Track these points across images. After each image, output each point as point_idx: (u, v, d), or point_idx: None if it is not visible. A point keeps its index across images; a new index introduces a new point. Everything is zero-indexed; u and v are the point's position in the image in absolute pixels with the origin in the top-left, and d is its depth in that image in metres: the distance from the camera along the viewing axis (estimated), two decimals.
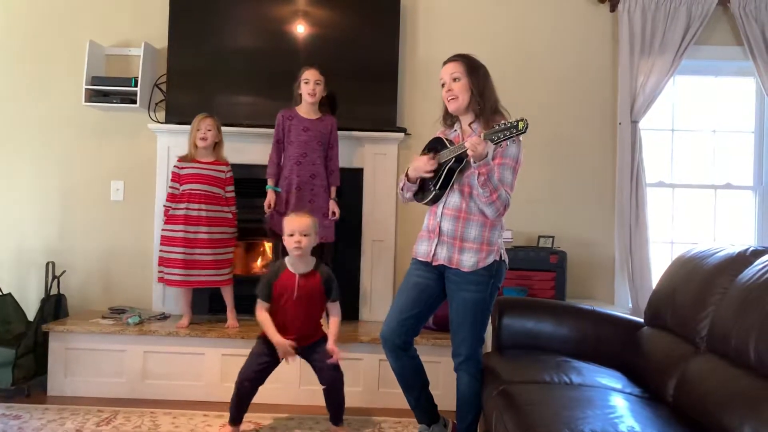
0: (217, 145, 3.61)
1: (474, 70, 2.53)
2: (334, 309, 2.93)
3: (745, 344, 1.90)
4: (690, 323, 2.28)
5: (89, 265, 4.01)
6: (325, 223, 3.48)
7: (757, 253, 2.21)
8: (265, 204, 3.50)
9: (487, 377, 2.51)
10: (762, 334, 1.84)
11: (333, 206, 3.52)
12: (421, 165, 2.53)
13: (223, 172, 3.59)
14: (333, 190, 3.55)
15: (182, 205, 3.50)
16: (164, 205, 3.59)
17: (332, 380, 2.87)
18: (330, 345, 2.83)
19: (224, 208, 3.57)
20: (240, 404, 2.87)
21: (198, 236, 3.48)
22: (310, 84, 3.46)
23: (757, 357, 1.84)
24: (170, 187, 3.59)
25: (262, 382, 2.88)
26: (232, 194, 3.62)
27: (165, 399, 3.39)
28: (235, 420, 2.90)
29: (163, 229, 3.55)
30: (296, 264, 2.85)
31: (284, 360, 2.82)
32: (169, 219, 3.53)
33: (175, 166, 3.59)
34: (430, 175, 2.53)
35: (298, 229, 2.79)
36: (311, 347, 2.89)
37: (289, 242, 2.81)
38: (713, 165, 4.11)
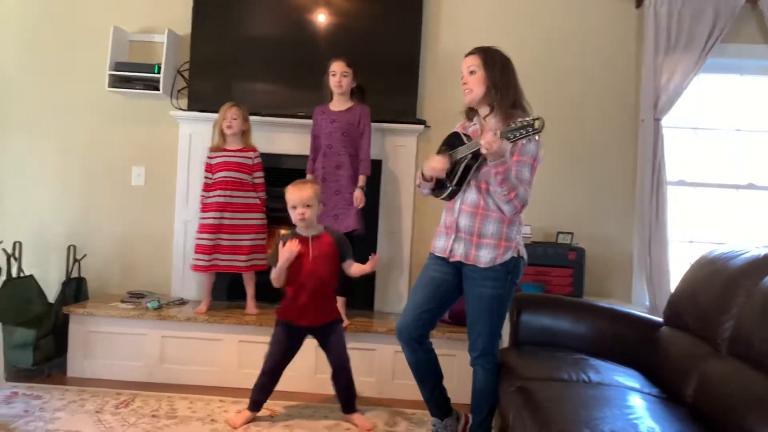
0: (244, 133, 3.64)
1: (491, 63, 2.50)
2: (350, 264, 2.93)
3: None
4: (712, 325, 2.27)
5: (109, 249, 4.05)
6: (351, 212, 3.48)
7: None
8: None
9: (504, 373, 2.52)
10: None
11: (357, 194, 3.50)
12: (436, 166, 2.52)
13: (251, 158, 3.63)
14: (362, 178, 3.53)
15: (215, 193, 3.56)
16: (201, 195, 3.65)
17: (339, 363, 2.93)
18: (367, 267, 2.84)
19: (251, 194, 3.60)
20: (264, 390, 2.94)
21: (224, 222, 3.53)
22: (336, 76, 3.47)
23: None
24: (204, 177, 3.65)
25: (284, 368, 2.94)
26: (261, 180, 3.65)
27: (182, 384, 3.43)
28: (257, 405, 2.95)
29: (200, 218, 3.61)
30: (305, 230, 2.90)
31: (295, 249, 2.80)
32: (204, 208, 3.59)
33: (207, 157, 3.65)
34: (443, 174, 2.51)
35: (299, 202, 2.82)
36: (326, 329, 2.93)
37: (293, 214, 2.85)
38: (736, 164, 4.06)
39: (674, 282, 3.74)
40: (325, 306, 2.92)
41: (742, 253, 2.36)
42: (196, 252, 3.56)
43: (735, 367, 2.05)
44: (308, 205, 2.83)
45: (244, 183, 3.60)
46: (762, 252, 2.28)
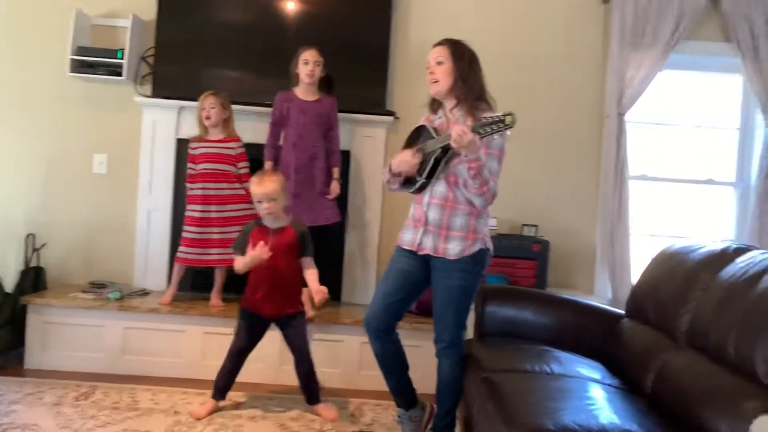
0: (226, 122, 3.58)
1: (459, 55, 2.52)
2: (309, 264, 2.93)
3: (724, 341, 1.94)
4: (671, 317, 2.32)
5: (70, 239, 3.96)
6: (327, 204, 3.47)
7: (739, 251, 2.25)
8: None
9: (469, 364, 2.54)
10: (741, 332, 1.88)
11: (333, 185, 3.50)
12: (408, 160, 2.53)
13: (233, 148, 3.57)
14: (335, 170, 3.52)
15: (200, 185, 3.51)
16: (186, 186, 3.60)
17: (299, 355, 2.94)
18: (315, 287, 2.83)
19: (236, 185, 3.55)
20: (228, 377, 2.93)
21: (212, 215, 3.49)
22: (309, 65, 3.42)
23: (736, 354, 1.88)
24: (187, 168, 3.60)
25: (245, 356, 2.95)
26: (246, 170, 3.58)
27: (144, 375, 3.38)
28: (222, 393, 2.94)
29: (186, 210, 3.56)
30: (270, 222, 2.89)
31: (261, 253, 2.77)
32: (189, 199, 3.55)
33: (189, 147, 3.59)
34: (414, 170, 2.52)
35: (264, 196, 2.81)
36: (288, 319, 2.94)
37: (259, 208, 2.85)
38: (696, 160, 4.16)
39: (635, 275, 3.83)
40: (284, 298, 2.91)
41: (700, 248, 2.42)
42: (182, 245, 3.51)
43: (692, 358, 2.11)
44: (273, 199, 2.81)
45: (227, 174, 3.54)
46: (719, 246, 2.34)
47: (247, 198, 3.54)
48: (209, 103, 3.50)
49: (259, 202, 2.83)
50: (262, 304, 2.89)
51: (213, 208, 3.50)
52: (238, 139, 3.60)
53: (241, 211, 3.55)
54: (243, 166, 3.60)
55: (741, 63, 3.89)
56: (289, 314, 2.94)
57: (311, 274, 2.91)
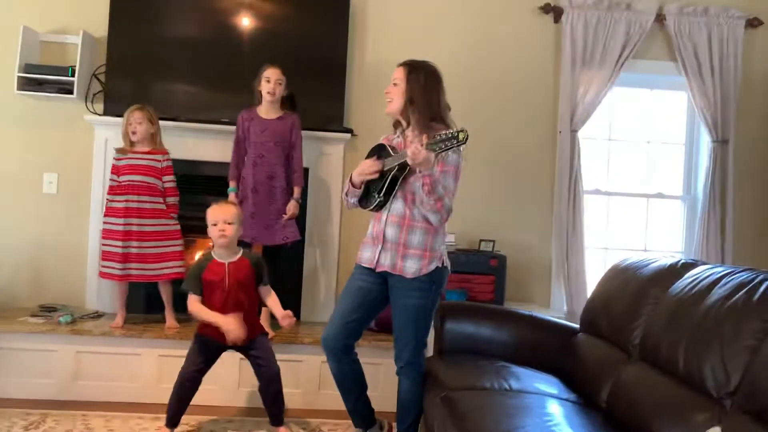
0: (153, 136, 3.50)
1: (414, 77, 2.54)
2: (268, 292, 2.89)
3: (674, 354, 2.00)
4: (623, 331, 2.38)
5: (18, 261, 3.83)
6: (284, 222, 3.44)
7: (687, 266, 2.32)
8: None
9: (430, 382, 2.55)
10: (690, 345, 1.94)
11: (290, 205, 3.45)
12: (366, 168, 2.54)
13: (159, 161, 3.49)
14: (296, 190, 3.49)
15: (122, 198, 3.41)
16: (107, 198, 3.50)
17: (271, 377, 2.85)
18: (280, 312, 2.80)
19: (159, 199, 3.47)
20: (180, 404, 2.82)
21: (132, 228, 3.40)
22: (271, 83, 3.40)
23: (686, 367, 1.94)
24: (110, 179, 3.51)
25: (200, 381, 2.84)
26: (171, 184, 3.51)
27: (98, 401, 3.28)
28: (174, 421, 2.85)
29: (103, 222, 3.46)
30: (223, 254, 2.82)
31: (232, 341, 2.72)
32: (108, 212, 3.44)
33: (113, 158, 3.50)
34: (375, 176, 2.54)
35: (221, 218, 2.76)
36: (250, 345, 2.86)
37: (213, 232, 2.77)
38: (647, 175, 4.28)
39: (590, 287, 3.89)
40: (246, 326, 2.82)
41: (651, 263, 2.49)
42: (104, 259, 3.41)
43: (645, 372, 2.16)
44: (230, 223, 2.76)
45: (152, 187, 3.46)
46: (668, 262, 2.42)
47: (167, 213, 3.50)
48: (135, 118, 3.43)
49: (214, 224, 2.76)
50: (223, 334, 2.77)
51: (134, 221, 3.40)
52: (165, 152, 3.52)
53: (163, 226, 3.47)
54: (169, 180, 3.51)
55: (685, 81, 4.03)
56: (252, 338, 2.86)
57: (273, 301, 2.86)
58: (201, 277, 2.78)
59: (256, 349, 2.86)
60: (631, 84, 4.20)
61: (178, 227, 3.53)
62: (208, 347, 2.82)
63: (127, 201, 3.40)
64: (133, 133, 3.43)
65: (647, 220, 4.27)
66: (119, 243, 3.38)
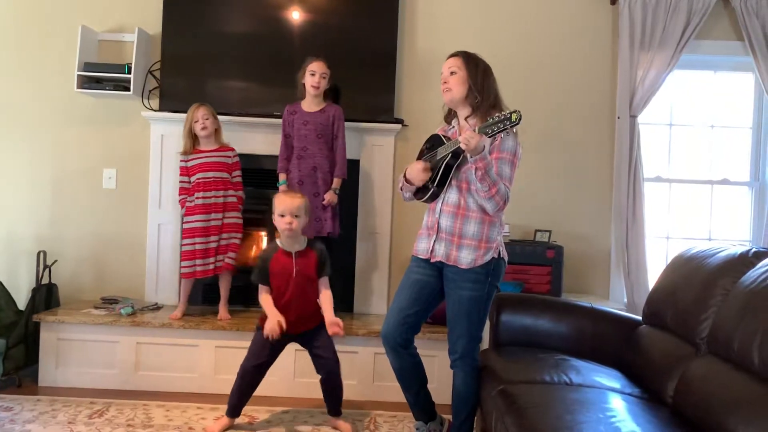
0: (217, 132, 3.57)
1: (473, 64, 2.52)
2: (325, 284, 2.88)
3: (748, 348, 1.89)
4: (690, 324, 2.27)
5: (81, 254, 3.96)
6: (325, 215, 3.44)
7: (759, 255, 2.20)
8: None
9: (485, 375, 2.50)
10: (766, 339, 1.83)
11: (327, 194, 3.46)
12: (416, 174, 2.51)
13: (230, 157, 3.58)
14: (336, 181, 3.50)
15: (199, 194, 3.49)
16: (180, 200, 3.57)
17: (331, 369, 2.86)
18: (330, 318, 2.78)
19: (231, 192, 3.55)
20: (242, 396, 2.86)
21: (211, 224, 3.48)
22: (316, 76, 3.41)
23: (761, 362, 1.83)
24: (180, 182, 3.57)
25: (264, 373, 2.87)
26: (239, 179, 3.60)
27: (158, 391, 3.36)
28: (235, 411, 2.88)
29: (185, 223, 3.54)
30: (290, 243, 2.82)
31: (269, 336, 2.73)
32: (187, 211, 3.52)
33: (181, 161, 3.57)
34: (426, 178, 2.50)
35: (289, 210, 2.75)
36: (311, 334, 2.87)
37: (280, 223, 2.77)
38: (710, 160, 4.10)
39: (652, 278, 3.78)
40: (308, 317, 2.84)
41: (719, 252, 2.37)
42: (186, 258, 3.48)
43: (715, 366, 2.05)
44: (297, 216, 2.76)
45: (225, 182, 3.54)
46: (738, 251, 2.29)
47: (238, 206, 3.56)
48: (202, 114, 3.48)
49: (282, 216, 2.76)
50: (287, 326, 2.79)
51: (214, 216, 3.48)
52: (232, 149, 3.60)
53: (236, 219, 3.56)
54: (237, 175, 3.60)
55: (753, 61, 3.83)
56: (311, 328, 2.87)
57: (326, 298, 2.84)
58: (268, 267, 2.80)
59: (317, 340, 2.87)
60: (693, 66, 4.03)
61: (242, 220, 3.60)
62: (269, 340, 2.83)
63: (205, 197, 3.47)
64: (203, 128, 3.48)
65: (711, 207, 4.09)
66: (201, 239, 3.45)
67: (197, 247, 3.46)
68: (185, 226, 3.53)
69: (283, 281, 2.79)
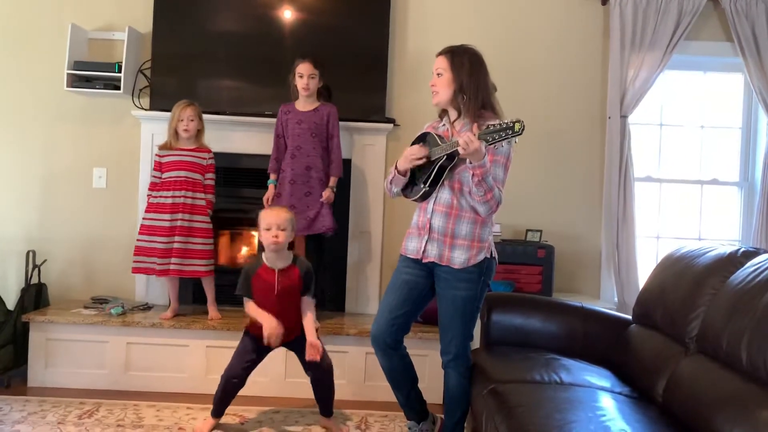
0: (198, 133, 3.54)
1: (459, 65, 2.47)
2: (309, 306, 2.86)
3: (736, 347, 1.90)
4: (680, 323, 2.28)
5: (71, 254, 3.93)
6: (323, 212, 3.44)
7: (748, 255, 2.22)
8: (264, 198, 3.48)
9: (476, 375, 2.50)
10: (754, 338, 1.84)
11: (325, 192, 3.44)
12: (413, 153, 2.48)
13: (204, 159, 3.53)
14: (332, 179, 3.49)
15: (169, 193, 3.45)
16: (147, 194, 3.53)
17: (322, 370, 2.85)
18: (310, 339, 2.77)
19: (200, 195, 3.51)
20: (224, 400, 2.85)
21: (176, 224, 3.43)
22: (304, 78, 3.41)
23: (749, 360, 1.84)
24: (152, 176, 3.55)
25: (246, 379, 2.86)
26: (211, 182, 3.56)
27: (148, 391, 3.35)
28: (219, 413, 2.88)
29: (144, 218, 3.50)
30: (274, 259, 2.80)
31: (268, 342, 2.73)
32: (150, 207, 3.48)
33: (156, 155, 3.55)
34: (422, 162, 2.48)
35: (275, 223, 2.74)
36: (297, 341, 2.86)
37: (266, 237, 2.75)
38: (700, 160, 4.12)
39: (642, 278, 3.79)
40: (293, 327, 2.82)
41: (708, 251, 2.39)
42: (141, 254, 3.44)
43: (704, 365, 2.07)
44: (283, 229, 2.75)
45: (196, 183, 3.49)
46: (727, 250, 2.31)
47: (206, 210, 3.52)
48: (188, 114, 3.46)
49: (268, 229, 2.74)
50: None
51: (180, 216, 3.43)
52: (209, 150, 3.56)
53: (204, 223, 3.49)
54: (209, 177, 3.55)
55: (742, 62, 3.85)
56: (299, 335, 2.85)
57: (309, 322, 2.81)
58: (251, 281, 2.80)
59: (299, 345, 2.85)
60: (683, 67, 4.04)
61: (211, 225, 3.54)
62: (256, 345, 2.82)
63: (174, 197, 3.44)
64: (185, 130, 3.46)
65: (701, 207, 4.11)
66: (163, 239, 3.41)
67: (158, 246, 3.40)
68: (146, 222, 3.47)
69: (266, 297, 2.78)
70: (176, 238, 3.42)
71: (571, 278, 3.96)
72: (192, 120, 3.47)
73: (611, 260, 3.90)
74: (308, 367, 2.86)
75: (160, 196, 3.46)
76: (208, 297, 3.55)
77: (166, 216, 3.43)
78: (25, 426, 2.82)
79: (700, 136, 4.12)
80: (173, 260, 3.41)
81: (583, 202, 4.00)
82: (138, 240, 3.49)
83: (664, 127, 4.12)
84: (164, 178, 3.48)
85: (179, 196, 3.44)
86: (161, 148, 3.53)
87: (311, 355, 2.74)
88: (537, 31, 3.99)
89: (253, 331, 2.84)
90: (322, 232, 3.46)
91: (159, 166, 3.52)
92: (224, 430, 2.89)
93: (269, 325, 2.72)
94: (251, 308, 2.80)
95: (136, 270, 3.49)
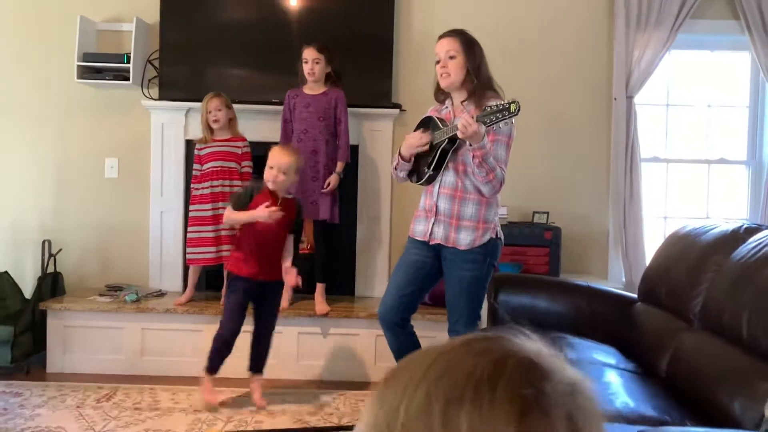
0: (231, 122, 3.59)
1: (470, 47, 2.52)
2: (290, 240, 2.97)
3: (737, 321, 1.93)
4: (684, 300, 2.31)
5: (85, 243, 4.00)
6: (326, 200, 3.47)
7: (750, 231, 2.23)
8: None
9: None
10: (755, 312, 1.87)
11: (331, 178, 3.47)
12: (414, 141, 2.53)
13: (239, 147, 3.60)
14: (339, 164, 3.52)
15: (207, 184, 3.53)
16: (192, 188, 3.63)
17: (266, 327, 2.97)
18: (288, 264, 2.88)
19: (238, 183, 3.58)
20: (222, 356, 2.93)
21: (218, 212, 3.49)
22: (308, 63, 3.44)
23: (750, 334, 1.87)
24: (193, 169, 3.63)
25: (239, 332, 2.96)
26: (248, 170, 3.62)
27: (164, 375, 3.42)
28: (216, 369, 2.96)
29: (190, 211, 3.59)
30: (275, 190, 2.90)
31: (270, 215, 2.78)
32: (194, 200, 3.57)
33: (195, 149, 3.61)
34: (425, 149, 2.52)
35: (277, 164, 2.83)
36: (271, 291, 2.96)
37: (268, 173, 2.85)
38: (707, 140, 4.12)
39: (649, 258, 3.80)
40: (273, 265, 2.90)
41: (712, 229, 2.41)
42: (194, 245, 3.53)
43: (706, 340, 2.10)
44: (285, 173, 2.82)
45: (232, 172, 3.57)
46: (730, 227, 2.33)
47: None
48: (215, 105, 3.51)
49: (271, 168, 2.84)
50: (246, 260, 2.88)
51: (221, 205, 3.50)
52: (244, 139, 3.62)
53: None
54: (246, 165, 3.62)
55: (749, 40, 3.84)
56: (270, 281, 2.93)
57: (287, 249, 2.94)
58: (250, 200, 2.87)
59: (269, 302, 2.96)
60: (689, 46, 4.03)
61: None
62: (246, 293, 2.90)
63: (212, 186, 3.51)
64: (215, 120, 3.51)
65: (709, 186, 4.11)
66: (210, 228, 3.49)
67: (207, 234, 3.50)
68: (192, 214, 3.57)
69: (261, 222, 2.84)
70: (222, 226, 3.49)
71: (579, 259, 3.98)
72: (219, 110, 3.51)
73: (619, 241, 3.92)
74: (259, 322, 2.97)
75: (201, 188, 3.55)
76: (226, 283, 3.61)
77: (208, 206, 3.51)
78: (45, 410, 2.90)
79: (707, 116, 4.12)
80: (224, 247, 3.49)
81: (590, 184, 4.01)
82: (189, 232, 3.58)
83: (670, 107, 4.12)
84: (204, 170, 3.56)
85: (217, 186, 3.52)
86: (198, 142, 3.60)
87: (291, 280, 2.85)
88: (542, 12, 3.98)
89: (236, 270, 2.92)
90: (322, 220, 3.50)
91: (198, 159, 3.59)
92: (237, 411, 2.95)
93: (258, 213, 2.79)
94: (229, 213, 2.89)
95: (191, 261, 3.58)
